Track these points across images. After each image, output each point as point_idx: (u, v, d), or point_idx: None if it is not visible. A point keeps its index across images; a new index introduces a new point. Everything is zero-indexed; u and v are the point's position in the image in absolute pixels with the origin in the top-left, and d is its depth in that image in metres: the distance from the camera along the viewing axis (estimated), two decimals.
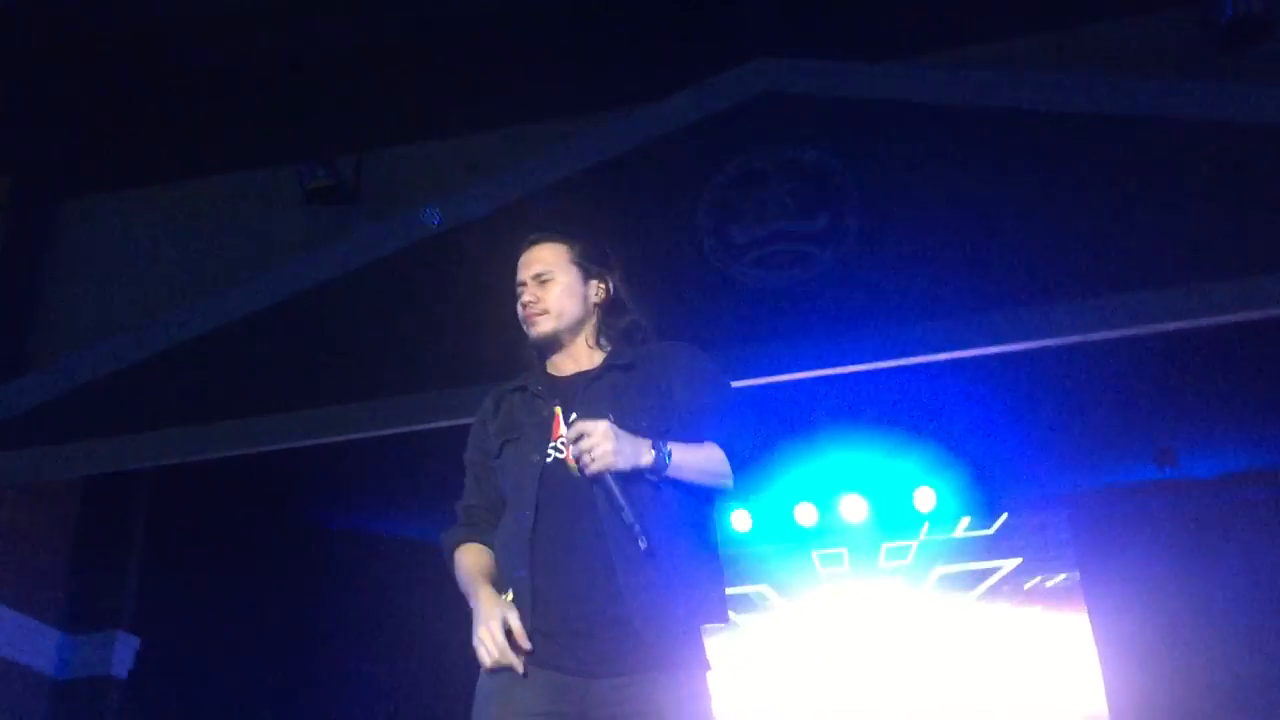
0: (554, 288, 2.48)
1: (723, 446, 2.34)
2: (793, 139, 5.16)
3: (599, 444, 2.17)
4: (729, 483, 2.33)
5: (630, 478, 2.21)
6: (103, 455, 5.69)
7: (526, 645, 2.18)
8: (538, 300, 2.48)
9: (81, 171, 6.58)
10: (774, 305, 5.03)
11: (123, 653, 6.35)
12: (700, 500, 2.35)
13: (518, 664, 2.17)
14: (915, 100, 5.08)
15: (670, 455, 2.25)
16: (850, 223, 5.02)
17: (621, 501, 2.17)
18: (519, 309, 2.50)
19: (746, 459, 2.36)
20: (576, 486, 2.24)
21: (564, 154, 5.39)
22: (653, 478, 2.24)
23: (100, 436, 5.64)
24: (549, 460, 2.30)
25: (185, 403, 5.55)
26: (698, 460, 2.30)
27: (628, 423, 2.26)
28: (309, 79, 6.02)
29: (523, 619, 2.20)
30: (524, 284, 2.51)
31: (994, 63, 5.34)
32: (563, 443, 2.28)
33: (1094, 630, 7.73)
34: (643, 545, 2.15)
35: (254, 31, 6.03)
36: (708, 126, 5.29)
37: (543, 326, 2.47)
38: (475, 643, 2.22)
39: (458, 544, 2.45)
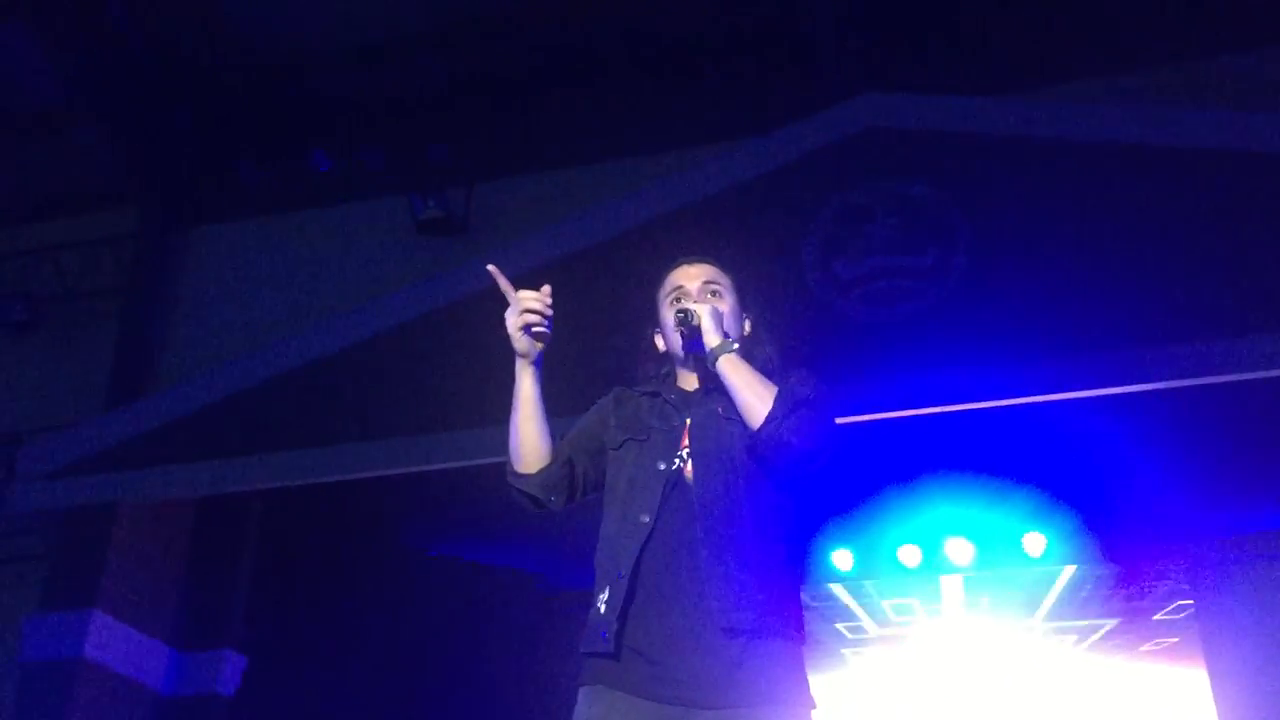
0: (723, 304, 2.46)
1: (783, 394, 2.27)
2: (899, 173, 5.11)
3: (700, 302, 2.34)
4: (765, 408, 2.23)
5: (724, 475, 2.25)
6: (218, 477, 5.85)
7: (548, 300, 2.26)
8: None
9: (204, 201, 6.81)
10: (880, 341, 4.97)
11: (230, 671, 6.48)
12: (790, 516, 2.31)
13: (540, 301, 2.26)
14: (1024, 134, 4.99)
15: (731, 350, 2.29)
16: (958, 258, 4.95)
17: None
18: (676, 313, 2.41)
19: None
20: (697, 498, 2.24)
21: (670, 188, 5.41)
22: (711, 361, 2.29)
23: (216, 458, 5.80)
24: (675, 469, 2.29)
25: (297, 427, 5.68)
26: (751, 374, 2.28)
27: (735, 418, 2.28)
28: (423, 112, 6.16)
29: (605, 622, 2.18)
30: (687, 291, 2.48)
31: (1108, 97, 5.23)
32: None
33: (1212, 684, 7.42)
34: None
35: (371, 66, 6.19)
36: (814, 161, 5.27)
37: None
38: (514, 323, 2.27)
39: None
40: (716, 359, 2.29)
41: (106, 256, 6.85)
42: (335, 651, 6.90)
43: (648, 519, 2.24)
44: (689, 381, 2.46)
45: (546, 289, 2.31)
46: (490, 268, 2.37)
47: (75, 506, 6.05)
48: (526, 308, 2.29)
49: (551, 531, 5.73)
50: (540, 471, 2.36)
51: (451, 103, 6.19)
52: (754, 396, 2.24)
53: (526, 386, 2.33)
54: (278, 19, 6.21)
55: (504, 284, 2.34)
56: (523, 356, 2.33)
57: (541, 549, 7.15)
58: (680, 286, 2.49)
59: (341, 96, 6.35)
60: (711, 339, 2.31)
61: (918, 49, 5.62)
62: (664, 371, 2.51)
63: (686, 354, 2.43)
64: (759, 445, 2.24)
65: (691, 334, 2.35)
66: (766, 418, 2.21)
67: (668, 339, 2.47)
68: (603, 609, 2.21)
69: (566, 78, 6.10)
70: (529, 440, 2.34)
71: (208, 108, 6.48)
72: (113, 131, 6.54)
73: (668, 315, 2.45)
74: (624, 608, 2.18)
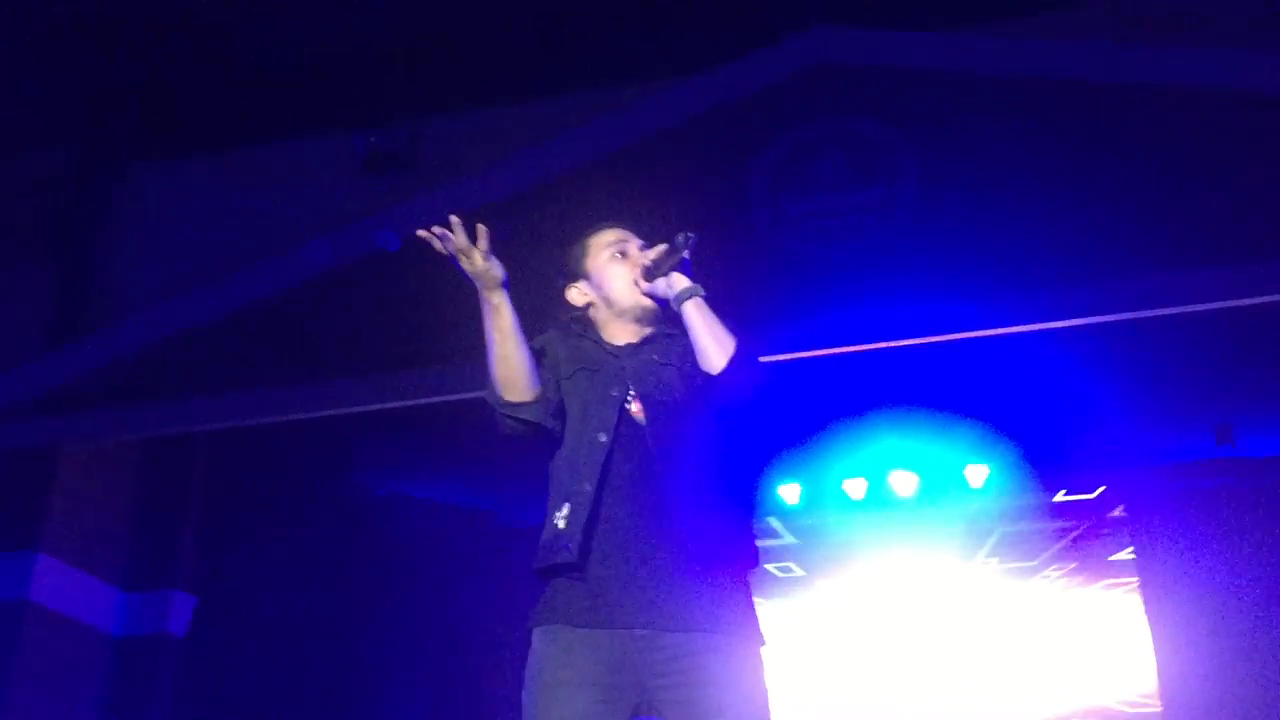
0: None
1: (741, 343, 2.37)
2: (849, 109, 5.11)
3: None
4: (728, 352, 2.32)
5: (673, 415, 2.32)
6: (162, 418, 5.79)
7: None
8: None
9: (142, 140, 6.66)
10: (828, 277, 5.00)
11: (180, 611, 6.47)
12: (739, 450, 2.38)
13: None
14: (973, 71, 5.01)
15: (698, 294, 2.37)
16: (905, 195, 4.98)
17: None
18: (632, 268, 2.49)
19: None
20: (647, 441, 2.30)
21: (617, 124, 5.38)
22: (677, 303, 2.36)
23: (160, 400, 5.74)
24: (626, 398, 2.35)
25: (242, 367, 5.63)
26: (716, 319, 2.36)
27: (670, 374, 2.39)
28: (366, 47, 6.05)
29: (569, 535, 2.22)
30: (630, 244, 2.54)
31: (1056, 32, 5.24)
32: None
33: (1146, 608, 7.64)
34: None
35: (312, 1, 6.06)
36: (762, 97, 5.26)
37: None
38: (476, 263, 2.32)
39: None
40: (686, 299, 2.36)
41: (45, 196, 6.69)
42: (286, 590, 6.91)
43: (605, 438, 2.30)
44: (617, 335, 2.50)
45: (483, 230, 2.35)
46: (446, 223, 2.38)
47: (17, 449, 5.97)
48: (459, 247, 2.34)
49: (501, 468, 5.74)
50: (539, 398, 2.38)
51: (398, 37, 6.08)
52: (721, 341, 2.33)
53: (506, 314, 2.34)
54: None
55: (451, 239, 2.35)
56: (492, 285, 2.34)
57: (492, 486, 7.17)
58: (623, 239, 2.55)
59: (283, 29, 6.21)
60: (683, 282, 2.39)
61: None
62: (581, 330, 2.53)
63: (632, 303, 2.48)
64: (715, 388, 2.31)
65: (667, 268, 2.40)
66: (731, 361, 2.30)
67: (615, 288, 2.51)
68: (562, 524, 2.25)
69: (516, 9, 6.01)
70: (522, 367, 2.35)
71: (141, 43, 6.31)
72: (43, 69, 6.37)
73: (615, 265, 2.51)
74: (588, 521, 2.23)
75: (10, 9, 5.88)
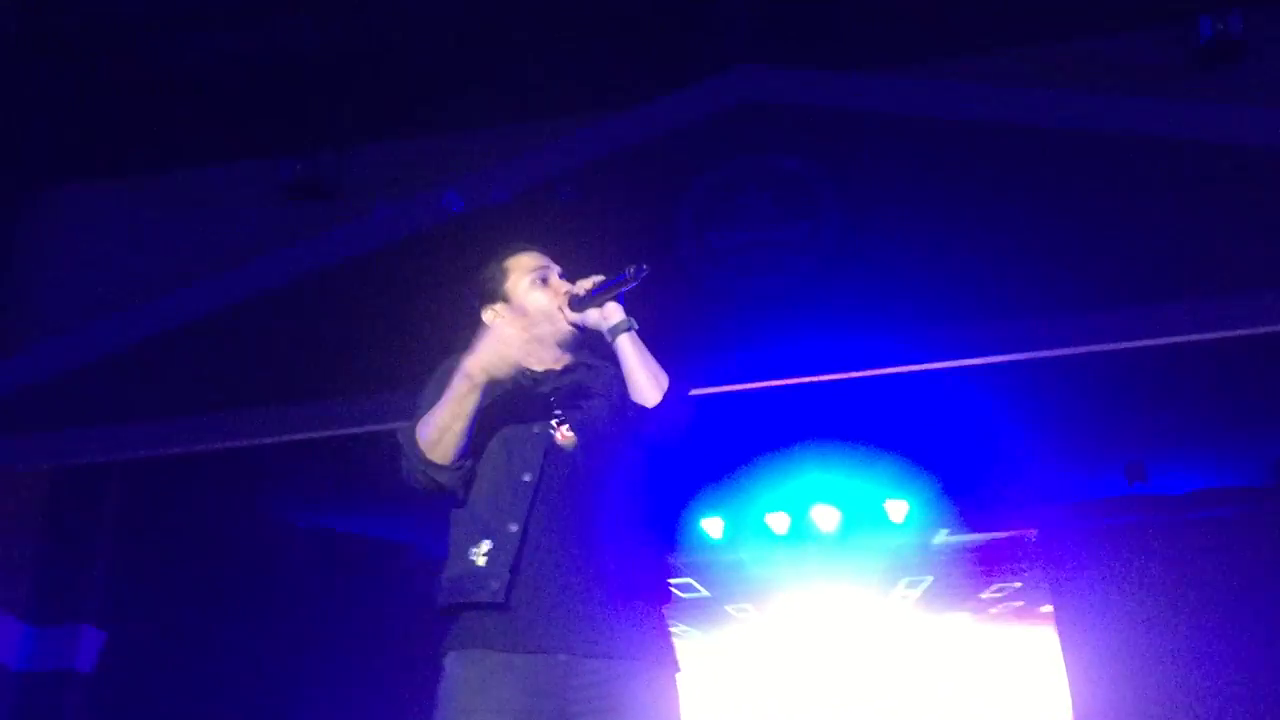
0: None
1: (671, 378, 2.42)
2: (773, 147, 5.18)
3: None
4: (661, 388, 2.36)
5: (600, 445, 2.34)
6: (71, 446, 5.65)
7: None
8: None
9: (58, 161, 6.53)
10: (751, 312, 5.04)
11: (87, 646, 6.28)
12: (652, 489, 2.40)
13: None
14: (895, 111, 5.10)
15: (634, 327, 2.40)
16: (828, 231, 5.04)
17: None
18: (554, 294, 2.50)
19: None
20: (575, 469, 2.32)
21: (543, 156, 5.39)
22: (612, 335, 2.40)
23: (70, 427, 5.60)
24: (549, 432, 2.35)
25: (156, 396, 5.52)
26: (648, 353, 2.40)
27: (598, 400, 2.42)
28: (290, 73, 6.00)
29: (493, 574, 2.21)
30: (551, 271, 2.55)
31: (976, 76, 5.36)
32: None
33: (1062, 642, 7.75)
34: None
35: (236, 24, 6.00)
36: (687, 133, 5.30)
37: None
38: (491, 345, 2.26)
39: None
40: (623, 332, 2.39)
41: None
42: (200, 625, 6.75)
43: (530, 477, 2.30)
44: (534, 361, 2.49)
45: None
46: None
47: None
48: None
49: (417, 501, 5.67)
50: (458, 466, 2.33)
51: (322, 64, 6.04)
52: (655, 375, 2.37)
53: (477, 399, 2.28)
54: None
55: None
56: (495, 380, 2.30)
57: (408, 518, 7.10)
58: (545, 266, 2.55)
59: (207, 54, 6.14)
60: (618, 314, 2.41)
61: (804, 21, 5.68)
62: None
63: (553, 329, 2.49)
64: (647, 421, 2.34)
65: (603, 299, 2.42)
66: (665, 396, 2.34)
67: (537, 314, 2.50)
68: (481, 561, 2.24)
69: (441, 41, 6.00)
70: (460, 440, 2.30)
71: (64, 63, 6.20)
72: None
73: (536, 291, 2.51)
74: (515, 560, 2.21)
75: None
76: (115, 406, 5.54)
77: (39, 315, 6.24)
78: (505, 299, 2.54)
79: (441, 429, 2.28)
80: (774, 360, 5.01)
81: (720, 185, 5.17)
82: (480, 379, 2.24)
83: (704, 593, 8.43)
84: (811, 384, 5.12)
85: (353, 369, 5.18)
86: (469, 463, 2.34)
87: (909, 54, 5.63)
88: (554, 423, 2.37)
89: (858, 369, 4.99)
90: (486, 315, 2.55)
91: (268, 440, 5.41)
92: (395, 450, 2.40)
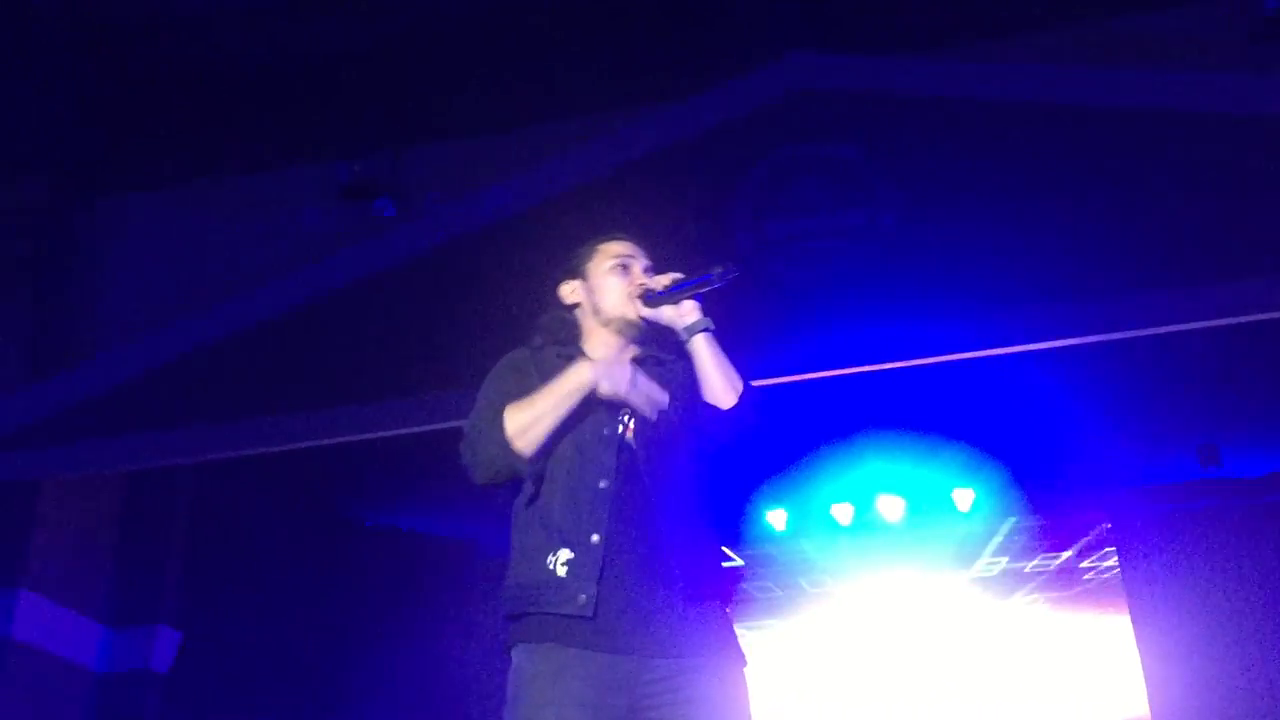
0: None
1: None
2: (827, 135, 5.14)
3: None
4: (737, 390, 2.37)
5: (670, 446, 2.32)
6: (145, 450, 5.76)
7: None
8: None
9: (116, 170, 6.65)
10: (810, 301, 5.01)
11: (163, 647, 6.41)
12: (717, 487, 2.40)
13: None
14: (949, 94, 5.05)
15: (710, 328, 2.39)
16: (886, 217, 5.00)
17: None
18: (631, 284, 2.48)
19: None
20: (646, 470, 2.30)
21: (598, 152, 5.40)
22: (688, 334, 2.38)
23: (142, 432, 5.71)
24: (620, 432, 2.33)
25: (226, 398, 5.60)
26: (723, 354, 2.39)
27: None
28: (345, 75, 6.06)
29: (579, 586, 2.19)
30: (635, 262, 2.54)
31: (1031, 55, 5.29)
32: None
33: (1135, 631, 7.63)
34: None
35: (290, 27, 6.07)
36: (741, 124, 5.28)
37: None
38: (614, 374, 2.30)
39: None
40: (697, 333, 2.38)
41: (20, 226, 6.66)
42: (271, 625, 6.86)
43: (606, 484, 2.28)
44: (602, 344, 2.49)
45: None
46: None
47: None
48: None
49: (483, 499, 5.72)
50: (536, 459, 2.32)
51: (377, 65, 6.10)
52: (728, 378, 2.37)
53: (576, 403, 2.31)
54: None
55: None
56: (625, 362, 2.37)
57: (474, 516, 7.14)
58: (630, 255, 2.54)
59: (263, 58, 6.22)
60: (695, 314, 2.40)
61: (855, 7, 5.64)
62: (562, 331, 2.53)
63: (619, 314, 2.47)
64: (722, 422, 2.34)
65: (681, 296, 2.40)
66: (740, 400, 2.34)
67: (608, 299, 2.49)
68: (562, 572, 2.22)
69: (495, 39, 6.03)
70: (546, 434, 2.30)
71: (122, 72, 6.31)
72: (22, 98, 6.36)
73: (614, 277, 2.50)
74: (600, 572, 2.20)
75: None
76: (186, 410, 5.64)
77: (106, 323, 6.37)
78: (584, 276, 2.54)
79: (536, 417, 2.29)
80: (835, 349, 4.98)
81: (775, 175, 5.15)
82: (590, 386, 2.29)
83: (767, 585, 8.40)
84: (874, 372, 5.08)
85: (416, 367, 5.23)
86: (541, 463, 2.33)
87: (961, 36, 5.57)
88: (625, 417, 2.35)
89: (920, 356, 4.95)
90: (564, 289, 2.56)
91: (335, 440, 5.47)
92: (460, 439, 2.39)
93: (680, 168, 5.31)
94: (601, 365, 2.32)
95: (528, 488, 2.34)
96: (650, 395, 2.34)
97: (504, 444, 2.29)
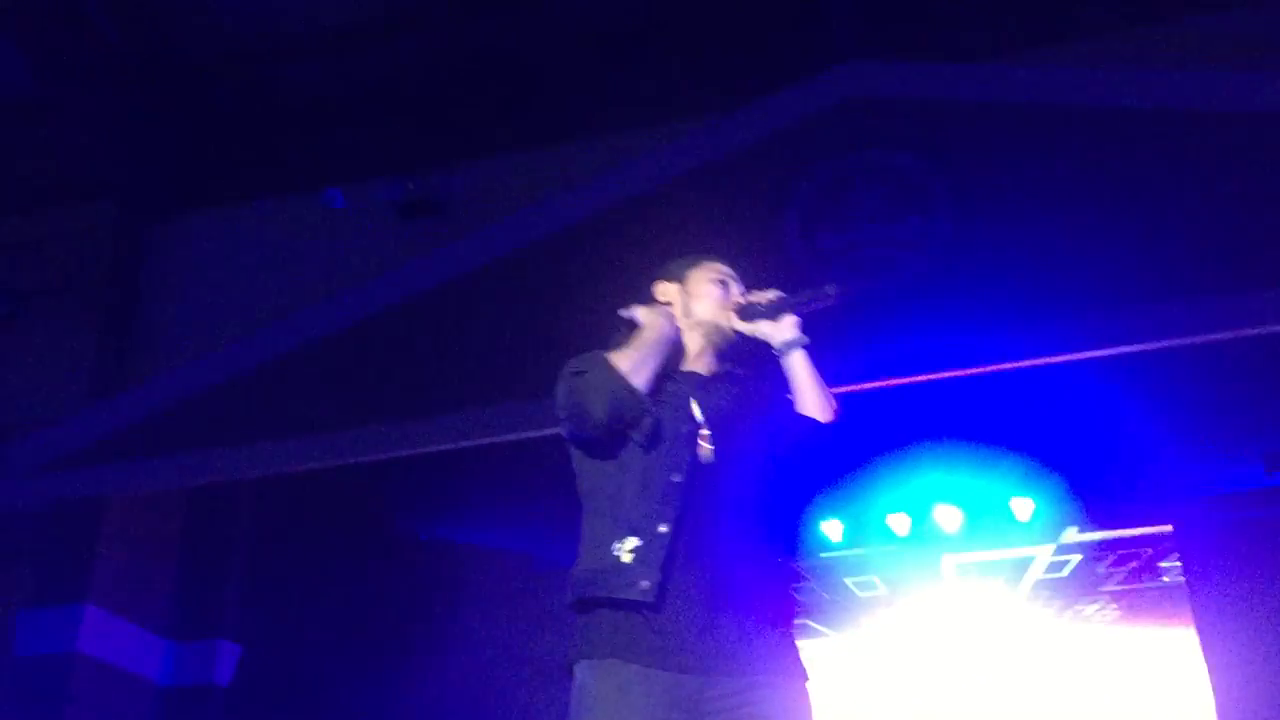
0: None
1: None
2: (882, 143, 5.11)
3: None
4: (831, 406, 2.47)
5: (745, 459, 2.35)
6: (207, 467, 5.83)
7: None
8: None
9: (182, 192, 6.76)
10: (865, 310, 4.97)
11: (225, 661, 6.48)
12: (798, 499, 2.43)
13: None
14: (1004, 100, 5.00)
15: (807, 344, 2.48)
16: (941, 226, 4.96)
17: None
18: (729, 300, 2.56)
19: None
20: (721, 478, 2.32)
21: (653, 163, 5.40)
22: (786, 350, 2.47)
23: (204, 448, 5.79)
24: (699, 439, 2.35)
25: (286, 414, 5.66)
26: (816, 372, 2.48)
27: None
28: (401, 94, 6.13)
29: (643, 572, 2.19)
30: (734, 280, 2.61)
31: (1086, 60, 5.23)
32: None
33: (1201, 642, 7.48)
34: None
35: (347, 49, 6.15)
36: (795, 132, 5.27)
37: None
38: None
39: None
40: (795, 349, 2.46)
41: (89, 247, 6.80)
42: (330, 638, 6.91)
43: (678, 478, 2.28)
44: (693, 357, 2.52)
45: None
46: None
47: (65, 501, 6.03)
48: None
49: (538, 511, 5.74)
50: (646, 399, 2.36)
51: (432, 82, 6.16)
52: (824, 394, 2.47)
53: (667, 346, 2.44)
54: (254, 2, 6.17)
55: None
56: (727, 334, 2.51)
57: (530, 528, 7.16)
58: (731, 276, 2.61)
59: (321, 79, 6.31)
60: (794, 330, 2.48)
61: (912, 14, 5.61)
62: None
63: (712, 321, 2.52)
64: (815, 436, 2.43)
65: (784, 310, 2.49)
66: (834, 415, 2.44)
67: (704, 304, 2.55)
68: (628, 558, 2.21)
69: (549, 55, 6.07)
70: (653, 372, 2.38)
71: (185, 94, 6.43)
72: (90, 121, 6.49)
73: (713, 287, 2.57)
74: (664, 563, 2.20)
75: (51, 61, 6.01)
76: (246, 427, 5.71)
77: (169, 341, 6.47)
78: (682, 281, 2.60)
79: (652, 357, 2.38)
80: (890, 359, 4.94)
81: (829, 184, 5.13)
82: (668, 324, 2.45)
83: (822, 595, 8.34)
84: (929, 382, 5.03)
85: (472, 383, 5.26)
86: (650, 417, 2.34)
87: (1017, 41, 5.52)
88: (702, 430, 2.36)
89: (976, 365, 4.90)
90: (658, 289, 2.60)
91: (392, 455, 5.51)
92: (556, 390, 2.40)
93: (734, 177, 5.30)
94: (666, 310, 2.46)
95: (638, 435, 2.32)
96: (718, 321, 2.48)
97: (621, 378, 2.33)
